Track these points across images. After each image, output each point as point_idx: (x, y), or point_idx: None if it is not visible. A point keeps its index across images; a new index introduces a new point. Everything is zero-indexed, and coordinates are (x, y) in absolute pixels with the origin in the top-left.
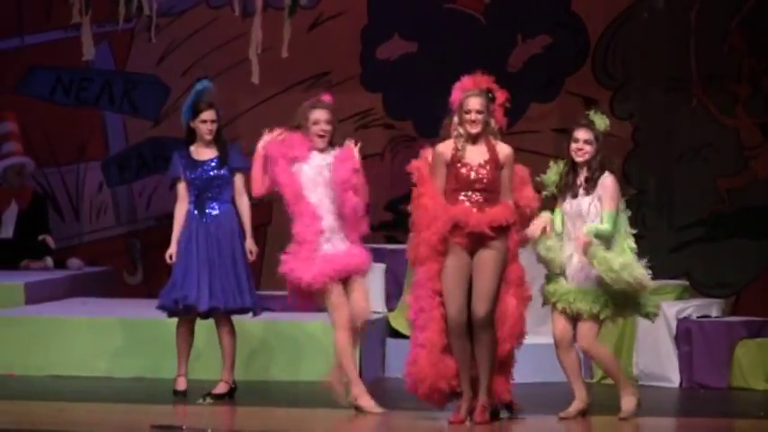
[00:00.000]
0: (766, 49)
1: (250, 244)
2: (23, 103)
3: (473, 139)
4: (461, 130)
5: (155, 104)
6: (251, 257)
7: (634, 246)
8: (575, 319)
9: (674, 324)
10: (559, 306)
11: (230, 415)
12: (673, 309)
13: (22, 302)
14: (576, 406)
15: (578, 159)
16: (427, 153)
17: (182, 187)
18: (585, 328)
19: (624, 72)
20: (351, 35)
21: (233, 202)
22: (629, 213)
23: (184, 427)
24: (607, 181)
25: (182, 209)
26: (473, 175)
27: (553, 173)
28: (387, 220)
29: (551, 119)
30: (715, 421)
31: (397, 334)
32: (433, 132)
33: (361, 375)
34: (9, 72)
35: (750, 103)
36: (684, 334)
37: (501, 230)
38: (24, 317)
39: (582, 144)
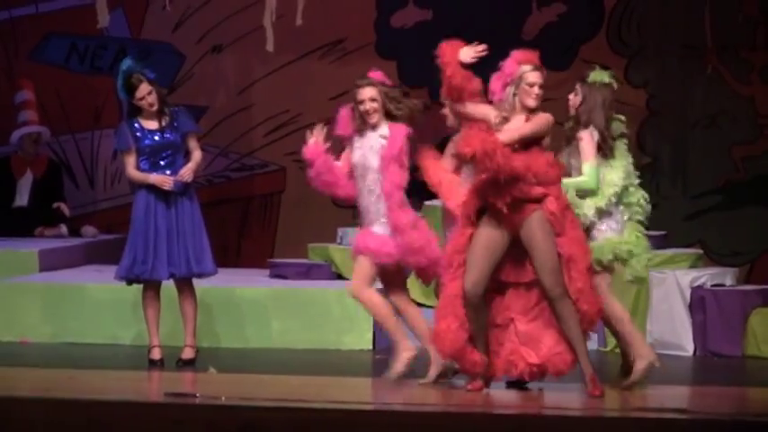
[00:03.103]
0: None
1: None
2: (38, 70)
3: (528, 112)
4: (516, 102)
5: (169, 72)
6: (182, 177)
7: (643, 234)
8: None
9: (688, 292)
10: None
11: (243, 383)
12: (687, 277)
13: (36, 270)
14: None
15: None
16: None
17: (131, 159)
18: (598, 279)
19: (639, 40)
20: (365, 3)
21: None
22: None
23: (198, 395)
24: (582, 134)
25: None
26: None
27: None
28: None
29: (566, 87)
30: (729, 390)
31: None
32: None
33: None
34: (24, 40)
35: (765, 70)
36: (698, 302)
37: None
38: (38, 284)
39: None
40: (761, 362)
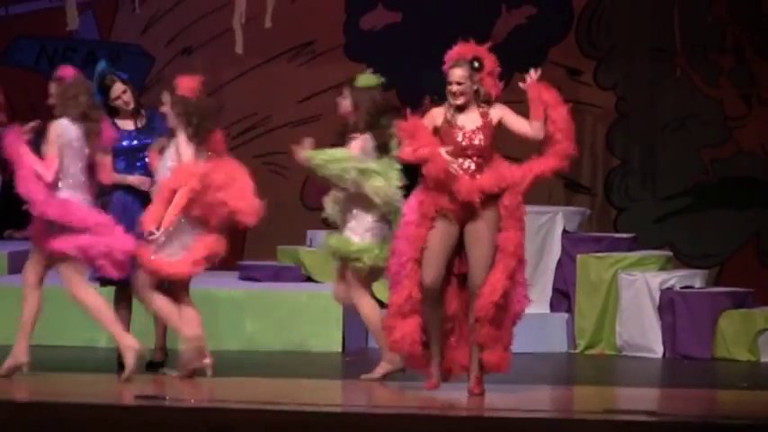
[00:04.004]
0: (750, 19)
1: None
2: (7, 73)
3: (460, 109)
4: (449, 101)
5: (139, 75)
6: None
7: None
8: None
9: (657, 295)
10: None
11: (213, 386)
12: (656, 279)
13: (5, 272)
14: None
15: None
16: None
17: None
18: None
19: (608, 42)
20: (334, 5)
21: None
22: None
23: (168, 398)
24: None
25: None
26: (465, 140)
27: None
28: None
29: None
30: (698, 392)
31: (381, 304)
32: (417, 102)
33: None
34: None
35: (733, 73)
36: (668, 305)
37: (492, 198)
38: (7, 286)
39: None
40: (730, 364)
